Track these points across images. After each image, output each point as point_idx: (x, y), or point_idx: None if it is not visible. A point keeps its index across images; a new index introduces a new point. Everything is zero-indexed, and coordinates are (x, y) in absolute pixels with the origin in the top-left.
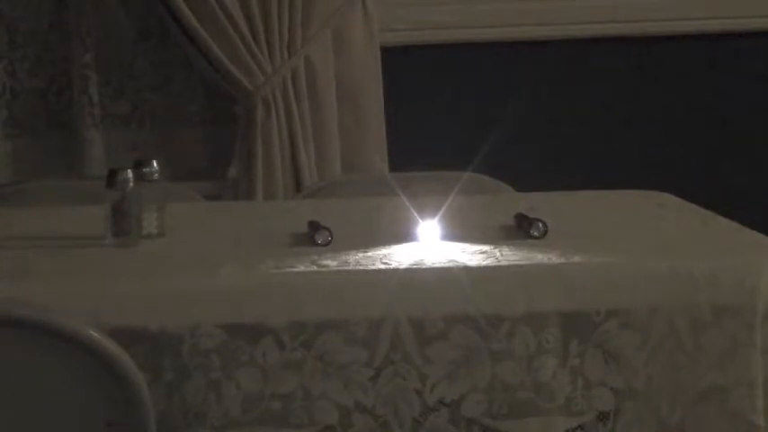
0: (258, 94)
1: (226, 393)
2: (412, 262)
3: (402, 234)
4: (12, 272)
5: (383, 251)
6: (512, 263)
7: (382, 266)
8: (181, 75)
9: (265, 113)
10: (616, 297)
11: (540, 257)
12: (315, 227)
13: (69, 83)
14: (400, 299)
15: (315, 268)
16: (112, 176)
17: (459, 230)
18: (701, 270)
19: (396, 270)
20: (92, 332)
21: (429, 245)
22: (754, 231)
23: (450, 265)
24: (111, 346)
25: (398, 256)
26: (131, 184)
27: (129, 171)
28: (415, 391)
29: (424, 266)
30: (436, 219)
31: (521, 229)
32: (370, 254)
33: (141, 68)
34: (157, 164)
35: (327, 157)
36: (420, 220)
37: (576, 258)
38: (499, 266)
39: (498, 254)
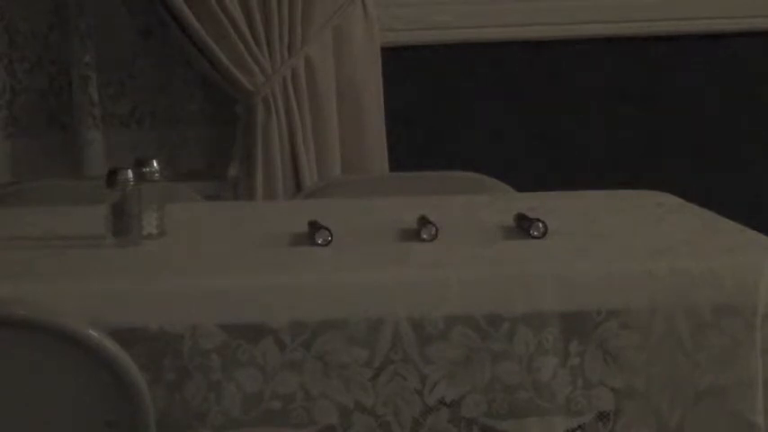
0: (258, 94)
1: (226, 393)
2: (412, 262)
3: (402, 234)
4: (12, 272)
5: (383, 251)
6: (512, 263)
7: (382, 266)
8: (181, 75)
9: (265, 113)
10: (616, 297)
11: (540, 257)
12: (315, 227)
13: (69, 83)
14: (400, 299)
15: (315, 268)
16: (112, 176)
17: (460, 230)
18: (701, 270)
19: (396, 270)
20: (92, 332)
21: (429, 245)
22: (755, 231)
23: (451, 265)
24: (111, 346)
25: (399, 255)
26: (131, 184)
27: (129, 171)
28: (415, 391)
29: (424, 266)
30: (436, 219)
31: (521, 229)
32: (370, 254)
33: (141, 68)
34: (157, 164)
35: (327, 157)
36: (420, 220)
37: (576, 258)
38: (499, 266)
39: (498, 254)
